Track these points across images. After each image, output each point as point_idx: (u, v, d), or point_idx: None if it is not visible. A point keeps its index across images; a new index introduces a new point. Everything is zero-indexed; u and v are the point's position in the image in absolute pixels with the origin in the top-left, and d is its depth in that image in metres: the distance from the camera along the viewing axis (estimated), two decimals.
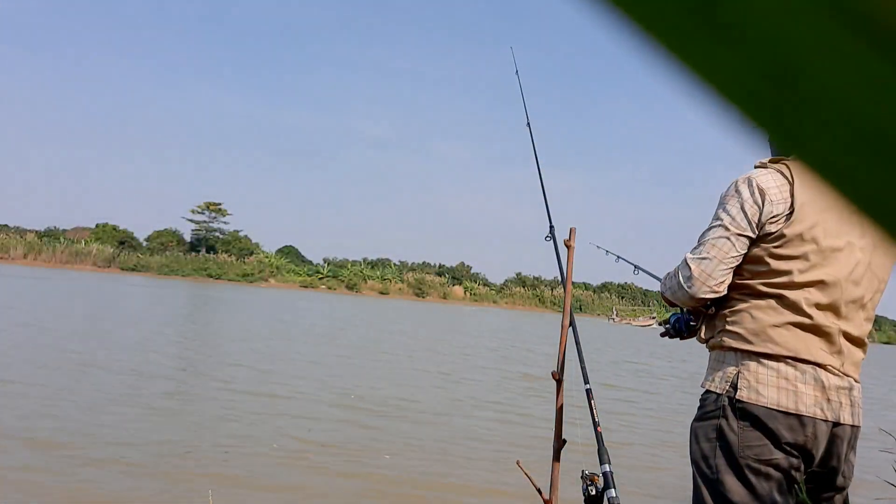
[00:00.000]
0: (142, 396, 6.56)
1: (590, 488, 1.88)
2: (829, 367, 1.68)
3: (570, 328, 1.78)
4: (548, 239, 2.30)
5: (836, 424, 1.67)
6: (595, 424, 1.92)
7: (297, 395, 7.45)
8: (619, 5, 0.14)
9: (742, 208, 1.70)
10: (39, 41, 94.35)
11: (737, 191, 1.73)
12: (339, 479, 4.57)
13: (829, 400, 1.66)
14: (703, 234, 1.78)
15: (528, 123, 2.66)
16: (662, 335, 2.04)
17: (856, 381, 1.72)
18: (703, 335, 1.85)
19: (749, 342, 1.69)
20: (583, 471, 1.92)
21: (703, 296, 1.75)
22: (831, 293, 1.68)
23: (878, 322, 73.91)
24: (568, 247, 1.68)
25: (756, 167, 1.78)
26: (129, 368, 8.11)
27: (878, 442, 4.50)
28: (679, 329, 1.96)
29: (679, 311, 1.97)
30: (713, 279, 1.73)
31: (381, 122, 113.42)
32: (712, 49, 0.14)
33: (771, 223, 1.68)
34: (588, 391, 1.99)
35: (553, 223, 2.32)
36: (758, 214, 1.69)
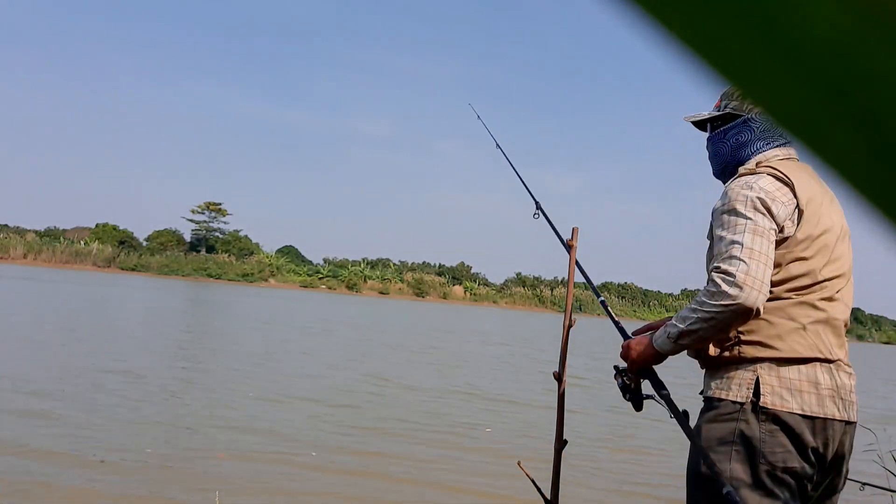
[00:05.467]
0: (145, 398, 6.55)
1: (627, 382, 1.81)
2: (840, 363, 1.65)
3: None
4: (536, 216, 2.20)
5: (847, 423, 1.64)
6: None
7: (303, 396, 7.44)
8: (665, 19, 0.14)
9: (757, 210, 1.62)
10: (39, 40, 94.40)
11: (744, 199, 1.64)
12: (339, 480, 4.57)
13: (842, 399, 1.63)
14: (721, 246, 1.62)
15: (498, 146, 2.70)
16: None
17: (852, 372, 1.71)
18: (711, 352, 1.70)
19: (772, 348, 1.62)
20: (616, 366, 1.88)
21: (759, 304, 1.54)
22: (838, 286, 1.69)
23: (878, 322, 73.78)
24: (571, 246, 1.68)
25: (743, 175, 1.72)
26: (132, 369, 8.10)
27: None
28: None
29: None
30: (764, 283, 1.56)
31: (381, 122, 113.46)
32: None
33: (783, 226, 1.65)
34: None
35: (538, 199, 2.24)
36: (771, 220, 1.63)
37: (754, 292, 1.53)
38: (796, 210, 1.65)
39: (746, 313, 1.55)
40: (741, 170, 1.76)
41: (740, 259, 1.56)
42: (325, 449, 5.23)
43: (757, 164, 1.74)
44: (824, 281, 1.67)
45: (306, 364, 10.18)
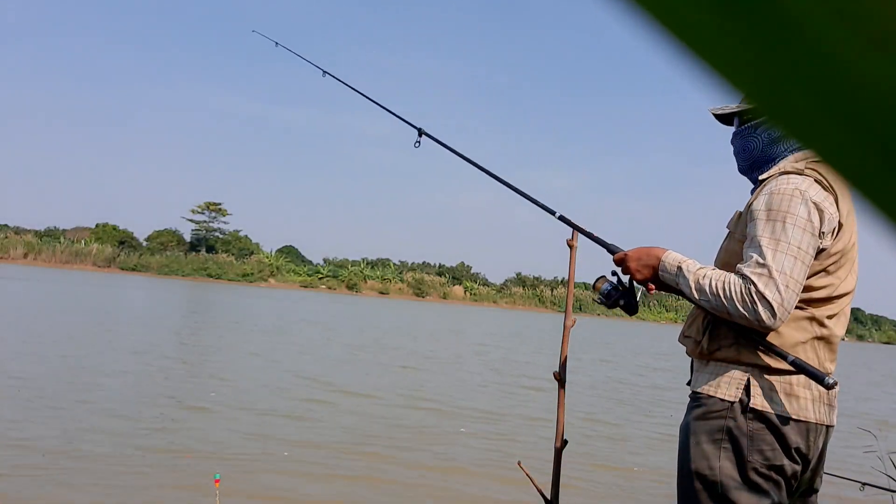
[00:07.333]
0: (145, 397, 6.55)
1: (622, 287, 1.82)
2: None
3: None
4: (417, 145, 2.20)
5: (828, 427, 1.71)
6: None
7: (303, 396, 7.44)
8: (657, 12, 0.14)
9: (806, 230, 1.58)
10: (39, 40, 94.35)
11: (796, 211, 1.59)
12: (340, 483, 4.56)
13: (828, 405, 1.70)
14: (762, 254, 1.57)
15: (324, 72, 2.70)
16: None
17: None
18: (706, 347, 1.70)
19: (774, 357, 1.63)
20: (610, 274, 1.85)
21: (777, 327, 1.59)
22: (846, 302, 1.72)
23: (878, 322, 73.72)
24: (571, 246, 1.68)
25: (789, 172, 1.66)
26: (133, 370, 8.10)
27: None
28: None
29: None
30: (791, 311, 1.58)
31: (380, 121, 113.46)
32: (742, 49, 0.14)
33: (823, 239, 1.62)
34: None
35: (420, 126, 2.18)
36: (818, 239, 1.60)
37: (781, 321, 1.56)
38: (839, 224, 1.63)
39: (763, 329, 1.58)
40: (784, 165, 1.70)
41: (778, 288, 1.54)
42: (300, 450, 5.24)
43: (796, 162, 1.69)
44: (838, 297, 1.68)
45: (290, 368, 10.19)
